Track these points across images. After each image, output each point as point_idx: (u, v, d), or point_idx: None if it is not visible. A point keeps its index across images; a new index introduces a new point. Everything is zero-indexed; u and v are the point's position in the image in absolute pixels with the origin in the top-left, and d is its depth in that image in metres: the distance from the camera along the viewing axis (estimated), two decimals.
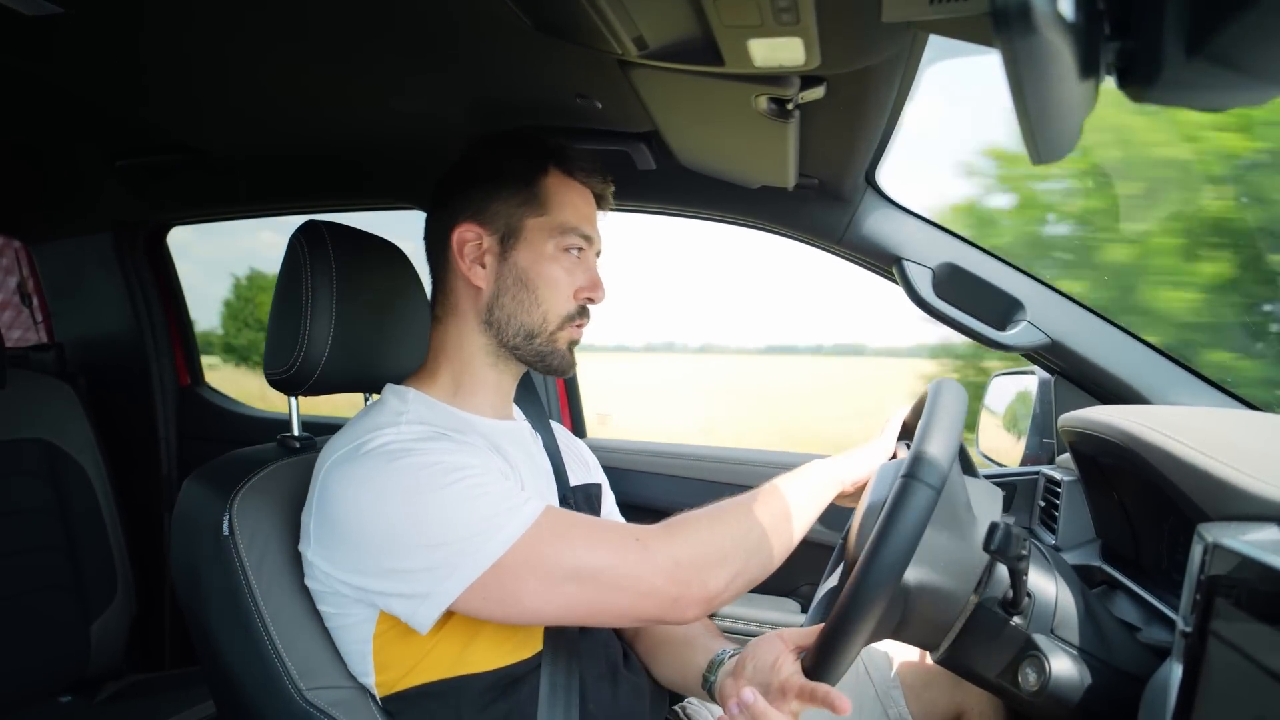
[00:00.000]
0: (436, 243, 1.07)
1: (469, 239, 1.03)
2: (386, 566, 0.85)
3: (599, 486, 1.23)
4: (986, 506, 0.90)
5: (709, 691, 1.06)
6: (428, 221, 1.09)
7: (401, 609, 0.86)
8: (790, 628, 1.08)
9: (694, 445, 1.75)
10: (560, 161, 1.06)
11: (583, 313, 1.06)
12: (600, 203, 1.11)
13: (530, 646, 0.96)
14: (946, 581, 0.84)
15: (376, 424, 0.94)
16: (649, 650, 1.18)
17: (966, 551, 0.85)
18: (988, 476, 1.43)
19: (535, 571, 0.84)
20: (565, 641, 0.99)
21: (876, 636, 0.87)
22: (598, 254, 1.09)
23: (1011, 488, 1.40)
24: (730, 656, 1.06)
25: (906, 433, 1.12)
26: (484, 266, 1.03)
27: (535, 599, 0.85)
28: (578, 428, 1.92)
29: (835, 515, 1.45)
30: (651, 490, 1.68)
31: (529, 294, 1.02)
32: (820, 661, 0.80)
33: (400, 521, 0.84)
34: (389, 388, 1.04)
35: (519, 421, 1.14)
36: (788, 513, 0.96)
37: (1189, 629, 0.66)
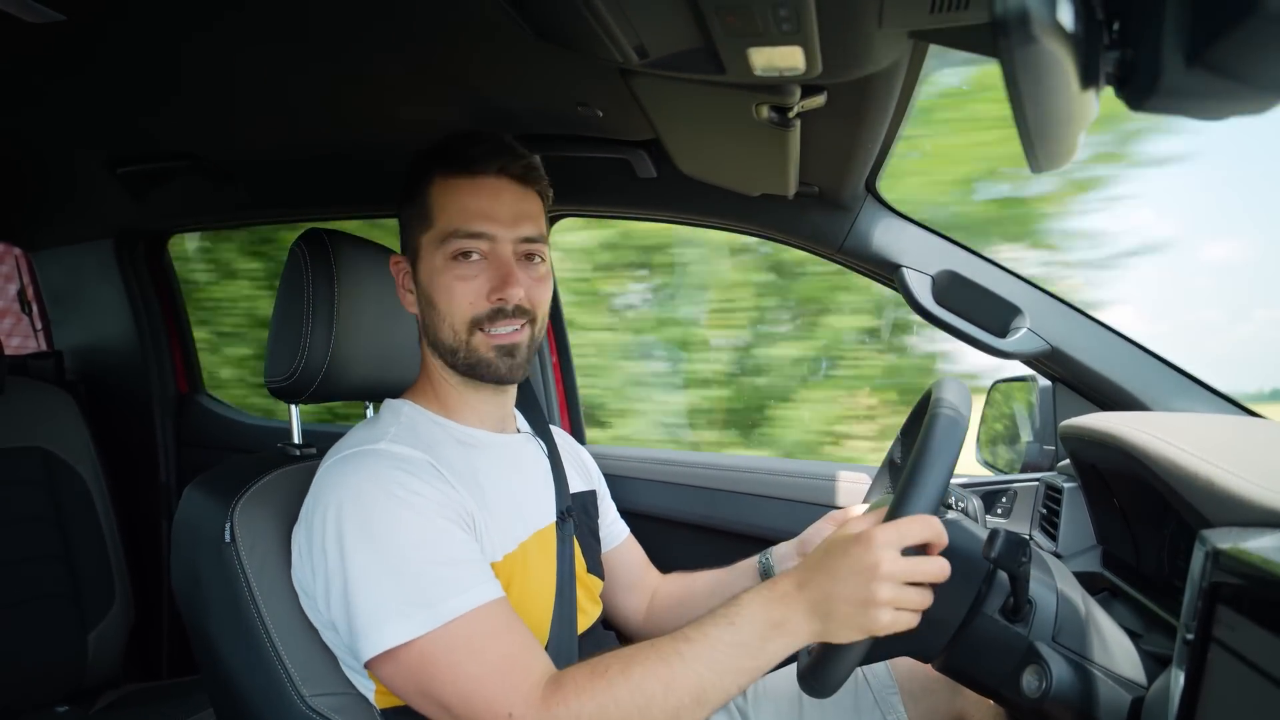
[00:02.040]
0: None
1: (400, 268, 1.03)
2: (318, 610, 0.90)
3: (594, 493, 1.24)
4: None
5: (765, 574, 1.14)
6: None
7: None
8: (851, 509, 1.14)
9: (692, 452, 1.75)
10: (445, 163, 0.98)
11: (496, 315, 0.97)
12: (525, 183, 1.00)
13: None
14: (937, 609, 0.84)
15: (365, 438, 0.94)
16: (670, 609, 1.24)
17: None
18: (988, 484, 1.42)
19: (410, 686, 0.83)
20: (564, 653, 0.99)
21: (872, 656, 0.87)
22: (529, 240, 0.99)
23: (1012, 494, 1.40)
24: (764, 557, 1.16)
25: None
26: (411, 292, 1.02)
27: (423, 708, 0.85)
28: (577, 433, 1.92)
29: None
30: (650, 497, 1.67)
31: (434, 311, 0.99)
32: (819, 670, 0.80)
33: (336, 575, 0.85)
34: (386, 403, 1.04)
35: (522, 433, 1.13)
36: (698, 695, 0.79)
37: (1191, 636, 0.66)
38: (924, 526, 0.76)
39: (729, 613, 0.80)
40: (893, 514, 0.79)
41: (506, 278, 0.96)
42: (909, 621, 0.77)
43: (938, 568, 0.76)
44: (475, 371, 0.99)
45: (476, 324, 0.97)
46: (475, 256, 0.96)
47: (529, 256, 1.00)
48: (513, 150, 1.00)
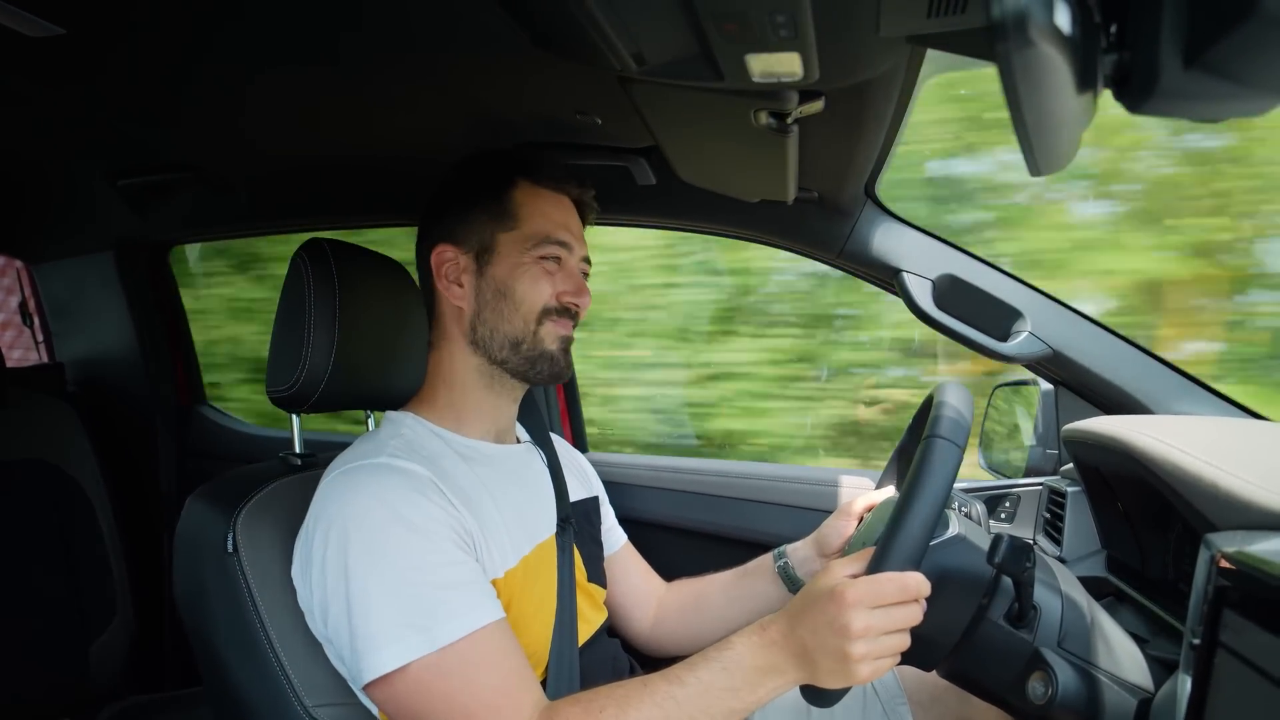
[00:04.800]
0: (422, 270, 1.08)
1: (446, 259, 1.04)
2: (317, 627, 0.89)
3: (596, 500, 1.24)
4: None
5: (785, 578, 1.16)
6: (416, 252, 1.10)
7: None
8: (860, 497, 1.15)
9: (695, 459, 1.75)
10: (528, 172, 1.05)
11: (564, 311, 1.04)
12: (582, 210, 1.10)
13: (535, 670, 0.96)
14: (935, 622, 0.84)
15: (367, 451, 0.94)
16: (682, 613, 1.25)
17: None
18: (991, 488, 1.42)
19: (403, 712, 0.83)
20: (565, 665, 0.98)
21: None
22: (585, 260, 1.09)
23: (1015, 499, 1.40)
24: (780, 557, 1.18)
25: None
26: (462, 285, 1.03)
27: None
28: (579, 442, 1.92)
29: None
30: (652, 505, 1.67)
31: (508, 302, 1.02)
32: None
33: (335, 595, 0.85)
34: (387, 415, 1.04)
35: (523, 444, 1.13)
36: None
37: (1197, 641, 0.65)
38: (899, 588, 0.76)
39: (721, 656, 0.81)
40: (875, 562, 0.78)
41: (580, 287, 1.06)
42: (890, 664, 0.78)
43: (909, 614, 0.77)
44: (534, 365, 1.03)
45: (547, 313, 1.03)
46: (557, 260, 1.04)
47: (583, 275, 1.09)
48: (583, 180, 1.10)
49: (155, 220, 1.79)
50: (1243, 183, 2.41)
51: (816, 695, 0.80)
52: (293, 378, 0.99)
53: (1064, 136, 0.45)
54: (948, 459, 0.79)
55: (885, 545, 0.77)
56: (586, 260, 1.09)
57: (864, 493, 1.17)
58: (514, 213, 1.03)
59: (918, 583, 0.76)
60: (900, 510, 0.78)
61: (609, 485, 1.33)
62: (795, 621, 0.79)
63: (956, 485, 0.93)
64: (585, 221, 1.11)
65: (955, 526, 0.88)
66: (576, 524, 1.11)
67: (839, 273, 1.48)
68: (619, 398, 3.27)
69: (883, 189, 1.35)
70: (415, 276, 1.11)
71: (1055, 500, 1.27)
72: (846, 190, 1.29)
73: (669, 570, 1.32)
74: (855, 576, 0.78)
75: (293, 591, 0.93)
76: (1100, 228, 2.63)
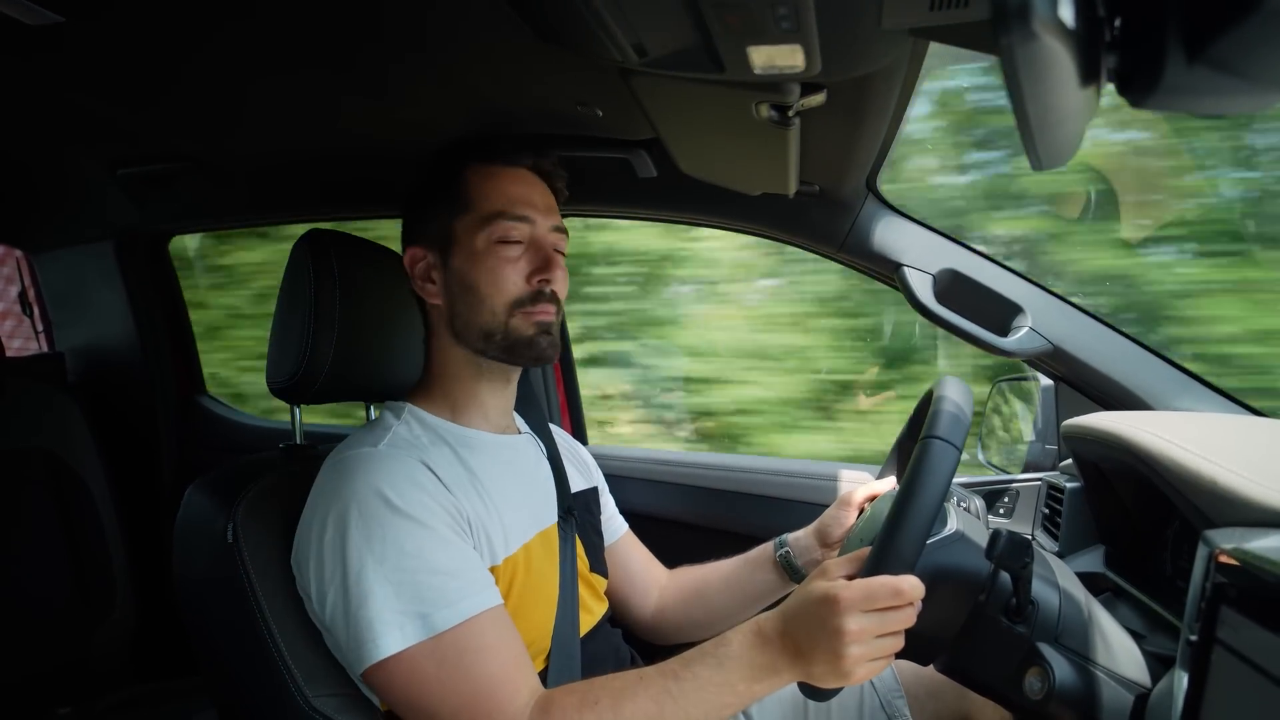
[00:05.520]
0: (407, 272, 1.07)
1: (417, 260, 1.03)
2: (315, 615, 0.89)
3: (596, 490, 1.24)
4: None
5: (786, 567, 1.16)
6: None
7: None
8: (860, 487, 1.15)
9: (692, 452, 1.75)
10: (478, 154, 1.04)
11: (537, 297, 1.00)
12: (549, 180, 1.07)
13: (536, 662, 0.96)
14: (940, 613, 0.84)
15: (364, 440, 0.95)
16: (684, 601, 1.25)
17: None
18: (990, 483, 1.42)
19: (399, 698, 0.84)
20: (567, 654, 0.98)
21: None
22: (557, 231, 1.04)
23: (1014, 494, 1.40)
24: (781, 546, 1.18)
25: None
26: (434, 283, 1.02)
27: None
28: (578, 433, 1.92)
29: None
30: (650, 497, 1.67)
31: (474, 295, 0.99)
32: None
33: (331, 583, 0.85)
34: (386, 405, 1.04)
35: (522, 434, 1.13)
36: None
37: (1194, 637, 0.65)
38: (893, 593, 0.75)
39: (717, 653, 0.81)
40: (870, 566, 0.78)
41: (548, 261, 1.01)
42: (885, 665, 0.78)
43: (903, 617, 0.76)
44: (514, 352, 1.00)
45: (518, 306, 0.99)
46: (516, 239, 1.00)
47: (555, 248, 1.04)
48: (541, 148, 1.06)
49: (155, 210, 1.78)
50: None
51: (813, 690, 0.80)
52: (294, 369, 0.99)
53: (1067, 131, 0.45)
54: (945, 461, 0.79)
55: (880, 549, 0.77)
56: (559, 230, 1.04)
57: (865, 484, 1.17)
58: (467, 196, 1.01)
59: (912, 586, 0.76)
60: (896, 513, 0.78)
61: (609, 478, 1.34)
62: (790, 622, 0.79)
63: (956, 480, 0.93)
64: (558, 193, 1.08)
65: (954, 523, 0.88)
66: (578, 514, 1.12)
67: None
68: None
69: None
70: None
71: (1054, 496, 1.27)
72: (848, 184, 1.29)
73: (667, 563, 1.32)
74: (851, 577, 0.78)
75: (293, 582, 0.93)
76: None
